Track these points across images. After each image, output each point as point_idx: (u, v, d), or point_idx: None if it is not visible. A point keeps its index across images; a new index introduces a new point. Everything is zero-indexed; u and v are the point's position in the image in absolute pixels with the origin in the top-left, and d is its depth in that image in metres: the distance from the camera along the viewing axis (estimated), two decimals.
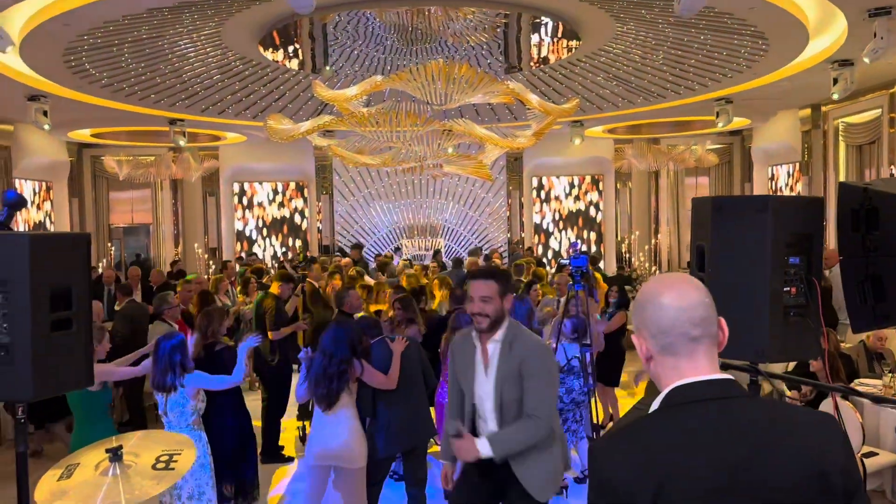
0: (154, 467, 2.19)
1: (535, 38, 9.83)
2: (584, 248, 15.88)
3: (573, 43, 9.33)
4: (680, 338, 1.43)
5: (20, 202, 3.19)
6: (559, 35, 9.50)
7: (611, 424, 7.26)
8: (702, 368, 1.43)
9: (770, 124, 14.14)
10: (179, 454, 2.26)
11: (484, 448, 3.15)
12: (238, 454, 5.07)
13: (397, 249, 14.92)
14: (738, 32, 8.10)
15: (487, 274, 3.38)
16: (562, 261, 14.32)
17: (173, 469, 2.18)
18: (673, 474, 1.32)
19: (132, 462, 2.23)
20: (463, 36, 9.60)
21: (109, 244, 15.47)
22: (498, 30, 9.46)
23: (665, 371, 1.45)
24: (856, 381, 6.18)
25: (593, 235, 17.00)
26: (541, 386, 3.27)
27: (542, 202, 16.98)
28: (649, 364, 1.48)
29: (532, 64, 10.52)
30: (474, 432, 3.38)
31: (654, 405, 1.46)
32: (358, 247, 13.96)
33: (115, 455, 2.25)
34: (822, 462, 1.35)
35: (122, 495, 2.10)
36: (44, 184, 13.94)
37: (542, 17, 8.52)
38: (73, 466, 2.33)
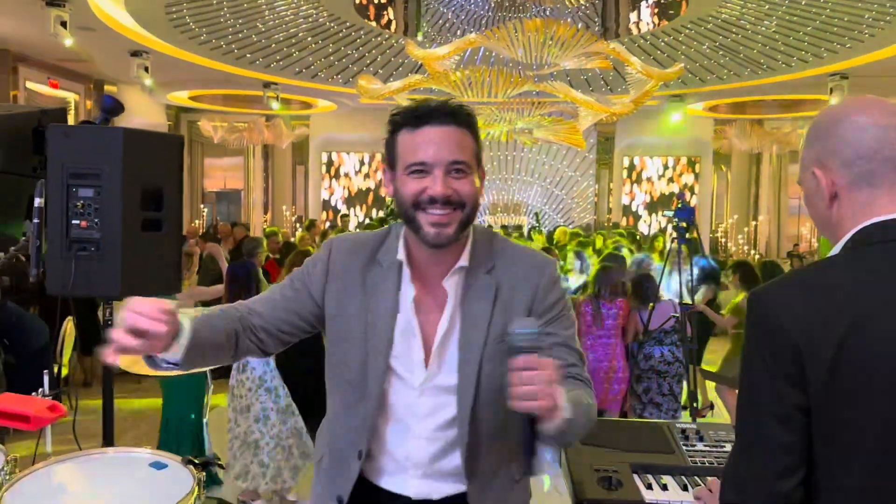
0: None
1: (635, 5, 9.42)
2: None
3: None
4: (884, 164, 1.16)
5: (116, 108, 3.15)
6: None
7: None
8: None
9: None
10: None
11: (563, 402, 1.30)
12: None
13: None
14: None
15: (451, 113, 1.53)
16: (666, 212, 13.69)
17: None
18: (862, 322, 1.08)
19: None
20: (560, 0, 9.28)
21: (202, 206, 15.93)
22: None
23: (853, 209, 1.19)
24: None
25: None
26: (573, 332, 1.62)
27: (632, 183, 16.42)
28: (831, 205, 1.21)
29: (630, 27, 10.08)
30: (372, 468, 1.60)
31: (836, 249, 1.20)
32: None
33: None
34: None
35: None
36: None
37: None
38: None
